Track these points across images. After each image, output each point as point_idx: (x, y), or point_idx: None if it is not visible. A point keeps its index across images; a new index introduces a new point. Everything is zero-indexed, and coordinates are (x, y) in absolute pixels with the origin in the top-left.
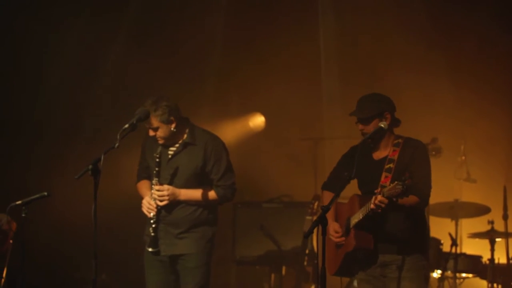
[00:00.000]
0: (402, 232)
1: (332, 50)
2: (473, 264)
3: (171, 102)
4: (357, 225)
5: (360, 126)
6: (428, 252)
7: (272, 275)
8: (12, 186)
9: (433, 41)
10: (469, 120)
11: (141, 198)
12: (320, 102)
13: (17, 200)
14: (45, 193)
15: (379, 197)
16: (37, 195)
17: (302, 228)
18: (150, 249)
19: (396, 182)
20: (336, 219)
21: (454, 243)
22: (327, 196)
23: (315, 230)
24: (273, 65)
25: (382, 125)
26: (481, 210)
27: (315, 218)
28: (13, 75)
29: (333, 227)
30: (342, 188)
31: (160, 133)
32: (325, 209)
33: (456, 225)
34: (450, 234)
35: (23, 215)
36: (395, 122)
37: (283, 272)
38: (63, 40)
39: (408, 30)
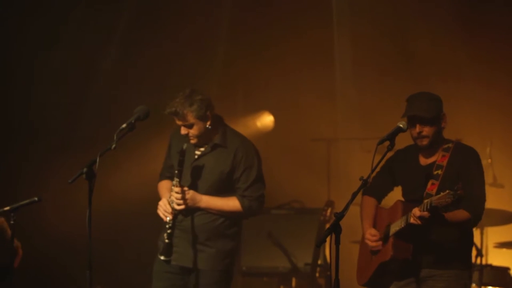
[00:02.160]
0: (445, 244)
1: (347, 45)
2: (500, 276)
3: (206, 96)
4: (397, 233)
5: (418, 127)
6: (471, 269)
7: None
8: (1, 191)
9: (458, 36)
10: (495, 120)
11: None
12: (334, 99)
13: (5, 206)
14: (36, 198)
15: (418, 212)
16: (27, 200)
17: (314, 236)
18: (162, 257)
19: (447, 191)
20: (375, 225)
21: (479, 253)
22: (367, 201)
23: (328, 239)
24: (283, 60)
25: (401, 125)
26: (508, 218)
27: (328, 226)
28: (5, 76)
29: (370, 232)
30: (357, 193)
31: (194, 131)
32: (339, 216)
33: (481, 233)
34: (474, 244)
35: (12, 222)
36: (445, 124)
37: (293, 284)
38: (58, 34)
39: (430, 24)
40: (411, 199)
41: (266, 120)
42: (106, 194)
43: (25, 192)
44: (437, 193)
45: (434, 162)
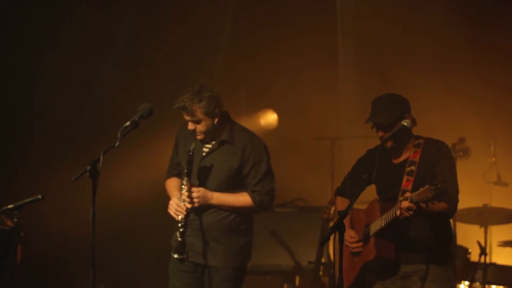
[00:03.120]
0: (426, 240)
1: (351, 43)
2: (504, 275)
3: (215, 93)
4: (378, 232)
5: (380, 133)
6: (454, 262)
7: (285, 286)
8: (2, 189)
9: (462, 35)
10: (499, 118)
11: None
12: (338, 97)
13: (8, 204)
14: (39, 196)
15: (407, 203)
16: (30, 199)
17: (318, 234)
18: (176, 256)
19: (427, 186)
20: (352, 226)
21: (483, 252)
22: (341, 203)
23: (331, 237)
24: (286, 58)
25: (405, 123)
26: None
27: (331, 224)
28: (7, 75)
29: (349, 233)
30: (360, 192)
31: (201, 127)
32: (343, 214)
33: (486, 232)
34: (478, 242)
35: (15, 220)
36: (414, 122)
37: (297, 282)
38: (60, 34)
39: (434, 23)
40: (387, 198)
41: (270, 118)
42: (108, 192)
43: (27, 192)
44: (413, 189)
45: (406, 159)
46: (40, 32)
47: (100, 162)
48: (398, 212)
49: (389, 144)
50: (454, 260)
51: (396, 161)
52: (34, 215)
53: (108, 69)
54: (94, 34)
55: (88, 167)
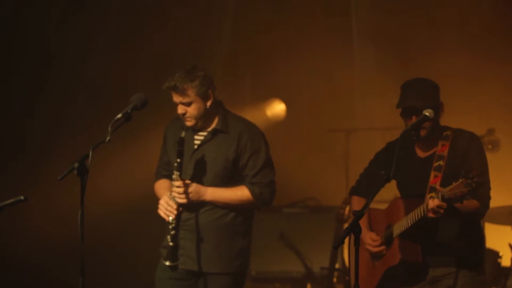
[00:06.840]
0: (455, 241)
1: (367, 25)
2: None
3: (208, 73)
4: (402, 234)
5: (414, 119)
6: (484, 266)
7: None
8: None
9: (490, 15)
10: None
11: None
12: (353, 86)
13: None
14: (22, 197)
15: (437, 202)
16: (12, 200)
17: (331, 237)
18: (167, 263)
19: (461, 179)
20: (371, 229)
21: None
22: (357, 203)
23: (346, 240)
24: (296, 42)
25: (427, 114)
26: None
27: (346, 225)
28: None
29: (369, 236)
30: (378, 190)
31: (193, 110)
32: (358, 215)
33: None
34: (510, 245)
35: None
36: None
37: None
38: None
39: (459, 3)
40: (412, 195)
41: (277, 108)
42: (97, 192)
43: (9, 192)
44: (442, 185)
45: (434, 153)
46: (34, 24)
47: (89, 159)
48: (430, 214)
49: (423, 132)
50: (484, 263)
51: (422, 155)
52: (16, 218)
53: (100, 65)
54: (88, 21)
55: (76, 164)
